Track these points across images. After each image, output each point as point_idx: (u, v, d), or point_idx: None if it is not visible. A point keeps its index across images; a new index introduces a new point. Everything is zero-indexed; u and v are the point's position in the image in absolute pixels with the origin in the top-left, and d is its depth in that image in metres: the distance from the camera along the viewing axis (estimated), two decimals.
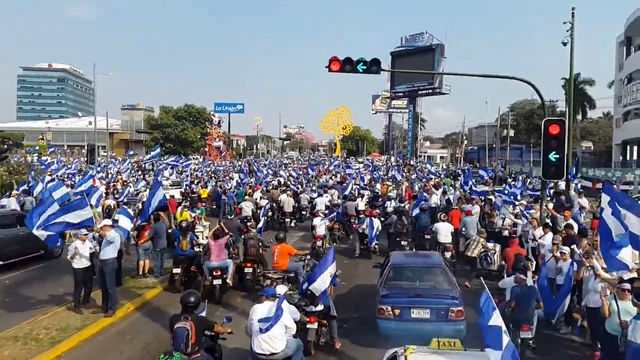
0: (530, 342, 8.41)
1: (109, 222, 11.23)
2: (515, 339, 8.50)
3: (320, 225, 16.38)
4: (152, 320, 10.17)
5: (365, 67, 13.92)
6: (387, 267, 9.99)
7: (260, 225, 14.08)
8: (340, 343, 8.84)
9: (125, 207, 16.06)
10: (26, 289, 12.17)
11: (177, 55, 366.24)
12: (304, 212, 22.69)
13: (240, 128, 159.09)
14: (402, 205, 20.11)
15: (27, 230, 11.56)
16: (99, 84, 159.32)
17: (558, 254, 10.19)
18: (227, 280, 11.53)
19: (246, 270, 12.19)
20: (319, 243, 16.18)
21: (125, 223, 12.92)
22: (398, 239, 15.78)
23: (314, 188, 26.52)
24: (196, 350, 6.28)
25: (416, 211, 16.97)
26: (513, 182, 27.30)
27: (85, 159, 50.76)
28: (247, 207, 20.03)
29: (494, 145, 68.19)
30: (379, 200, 23.02)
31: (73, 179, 30.17)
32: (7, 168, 26.34)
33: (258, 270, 12.57)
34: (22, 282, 12.87)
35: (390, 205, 20.61)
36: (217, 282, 11.24)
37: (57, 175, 30.40)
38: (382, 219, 19.31)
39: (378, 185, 28.55)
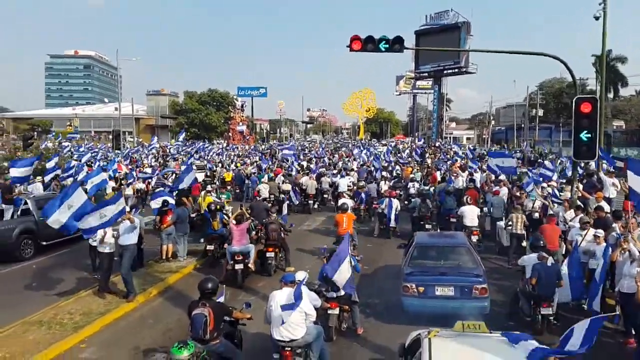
0: (551, 318, 8.49)
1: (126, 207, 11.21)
2: (536, 315, 8.38)
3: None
4: (174, 305, 10.17)
5: (387, 46, 13.46)
6: (412, 247, 10.15)
7: (284, 212, 13.91)
8: (362, 329, 8.71)
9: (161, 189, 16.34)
10: (51, 273, 12.33)
11: (202, 39, 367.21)
12: (325, 195, 22.64)
13: (263, 112, 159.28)
14: (427, 188, 19.72)
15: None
16: (124, 70, 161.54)
17: (591, 237, 9.80)
18: (249, 265, 11.56)
19: (268, 254, 12.14)
20: None
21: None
22: (422, 222, 15.49)
23: (334, 172, 26.37)
24: (215, 337, 6.21)
25: (442, 194, 16.67)
26: (546, 162, 26.35)
27: (111, 144, 51.68)
28: (264, 190, 20.18)
29: (523, 126, 66.38)
30: (401, 182, 22.75)
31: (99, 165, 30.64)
32: (35, 154, 26.76)
33: (280, 255, 12.53)
34: (48, 267, 13.04)
35: (414, 187, 20.49)
36: (239, 266, 11.29)
37: (83, 162, 30.84)
38: (406, 202, 19.21)
39: (397, 167, 28.27)
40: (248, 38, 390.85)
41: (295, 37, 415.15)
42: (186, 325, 6.67)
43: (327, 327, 8.00)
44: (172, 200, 14.11)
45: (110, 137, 56.31)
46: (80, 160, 30.27)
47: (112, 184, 21.33)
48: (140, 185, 23.55)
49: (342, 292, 8.23)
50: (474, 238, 13.58)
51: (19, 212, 14.66)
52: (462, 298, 8.64)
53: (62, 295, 10.59)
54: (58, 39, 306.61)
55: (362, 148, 45.15)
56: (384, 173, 24.66)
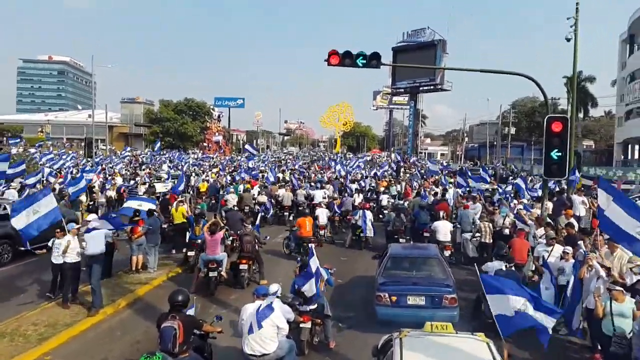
0: None
1: (94, 216, 11.01)
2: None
3: (322, 215, 17.28)
4: (143, 318, 9.94)
5: (365, 61, 13.61)
6: (386, 258, 10.48)
7: (257, 222, 13.85)
8: (335, 342, 8.66)
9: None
10: (15, 283, 11.97)
11: (177, 49, 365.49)
12: (300, 208, 22.61)
13: (240, 123, 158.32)
14: (401, 202, 19.90)
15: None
16: (99, 77, 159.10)
17: (558, 253, 10.02)
18: (222, 273, 11.65)
19: (241, 267, 12.03)
20: (322, 232, 17.18)
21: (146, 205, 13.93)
22: (396, 236, 15.58)
23: (312, 184, 26.58)
24: (184, 350, 6.07)
25: (416, 209, 16.91)
26: (515, 181, 26.98)
27: (83, 152, 50.66)
28: (232, 200, 20.31)
29: (495, 143, 67.91)
30: (374, 194, 23.75)
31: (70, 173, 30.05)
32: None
33: (254, 267, 12.44)
34: (11, 277, 12.65)
35: (385, 199, 21.63)
36: (212, 274, 11.45)
37: (54, 169, 30.24)
38: (380, 215, 19.49)
39: (370, 181, 28.73)
40: (229, 47, 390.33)
41: (275, 49, 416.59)
42: (155, 338, 6.51)
43: (299, 340, 7.92)
44: (150, 206, 13.93)
45: (83, 144, 55.22)
46: (51, 167, 29.69)
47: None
48: (111, 193, 23.31)
49: (315, 305, 8.19)
50: (447, 252, 13.73)
51: None
52: (433, 307, 8.99)
53: (27, 305, 10.23)
54: (32, 43, 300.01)
55: (337, 162, 45.35)
56: (354, 185, 24.88)
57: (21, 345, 8.21)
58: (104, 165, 37.03)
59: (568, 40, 22.97)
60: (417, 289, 9.22)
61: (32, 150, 45.99)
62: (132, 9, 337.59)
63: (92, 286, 10.11)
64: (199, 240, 12.81)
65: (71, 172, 27.43)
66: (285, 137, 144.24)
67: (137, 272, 12.92)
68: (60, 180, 23.62)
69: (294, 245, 15.42)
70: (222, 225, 12.85)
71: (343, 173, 32.82)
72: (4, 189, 18.99)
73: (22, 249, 13.52)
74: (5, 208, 14.64)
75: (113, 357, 8.10)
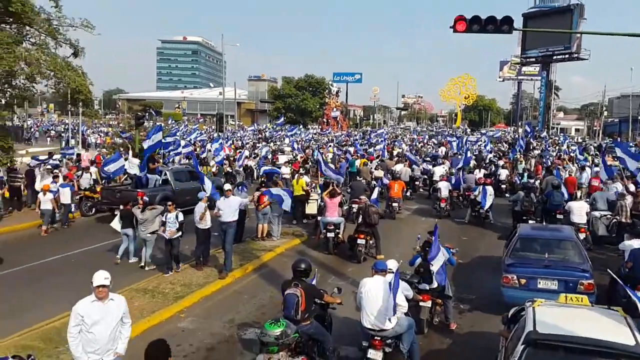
0: None
1: (228, 186, 11.67)
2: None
3: (444, 188, 17.45)
4: (268, 283, 10.47)
5: (494, 27, 12.64)
6: (515, 239, 9.88)
7: (374, 196, 13.72)
8: (456, 324, 8.39)
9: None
10: (156, 245, 13.08)
11: (299, 27, 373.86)
12: (417, 183, 22.23)
13: (357, 98, 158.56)
14: (532, 180, 18.53)
15: (197, 184, 14.53)
16: (228, 56, 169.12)
17: None
18: (339, 235, 12.58)
19: (359, 241, 12.00)
20: (443, 205, 17.35)
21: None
22: (525, 217, 14.52)
23: (427, 159, 26.41)
24: (306, 318, 6.24)
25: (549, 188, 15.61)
26: None
27: (215, 126, 54.54)
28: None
29: (639, 118, 60.02)
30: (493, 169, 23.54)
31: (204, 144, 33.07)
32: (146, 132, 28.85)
33: (371, 242, 12.35)
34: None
35: (504, 174, 21.70)
36: (330, 235, 12.54)
37: (189, 140, 33.28)
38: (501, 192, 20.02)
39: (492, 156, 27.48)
40: (345, 23, 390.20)
41: (392, 21, 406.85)
42: (279, 303, 6.80)
43: (419, 319, 7.77)
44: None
45: (215, 119, 59.36)
46: (190, 140, 32.74)
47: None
48: (251, 162, 25.46)
49: (435, 284, 7.95)
50: (581, 235, 12.51)
51: (159, 181, 16.75)
52: (567, 292, 8.04)
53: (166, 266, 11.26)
54: (169, 23, 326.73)
55: (456, 137, 43.52)
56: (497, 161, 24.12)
57: (160, 302, 9.08)
58: (235, 141, 39.77)
59: None
60: (549, 272, 8.64)
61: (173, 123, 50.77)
62: None
63: (226, 250, 10.82)
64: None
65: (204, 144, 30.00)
66: (403, 112, 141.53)
67: (262, 240, 13.64)
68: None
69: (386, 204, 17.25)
70: (339, 192, 13.56)
71: (455, 150, 31.55)
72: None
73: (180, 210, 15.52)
74: (165, 174, 17.03)
75: (240, 319, 8.62)
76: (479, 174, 20.01)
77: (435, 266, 7.68)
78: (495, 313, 8.29)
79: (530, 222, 14.26)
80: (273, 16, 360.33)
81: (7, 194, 16.68)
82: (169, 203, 11.21)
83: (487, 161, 26.44)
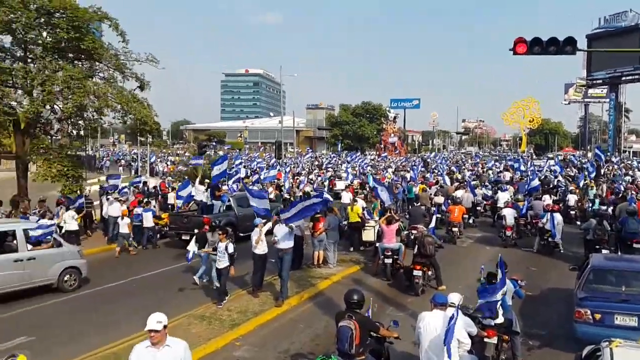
0: None
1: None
2: None
3: (509, 215, 16.65)
4: (323, 312, 10.24)
5: (557, 49, 12.11)
6: (587, 270, 9.17)
7: (432, 224, 13.26)
8: None
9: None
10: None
11: (356, 56, 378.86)
12: (478, 208, 21.39)
13: (416, 124, 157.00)
14: (604, 207, 17.33)
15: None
16: (287, 86, 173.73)
17: None
18: (398, 261, 12.37)
19: (415, 273, 11.38)
20: (508, 233, 16.54)
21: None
22: (598, 246, 13.50)
23: (486, 184, 25.45)
24: (360, 352, 5.97)
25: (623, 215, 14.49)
26: None
27: (274, 154, 55.67)
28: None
29: None
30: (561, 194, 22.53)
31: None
32: (209, 160, 29.92)
33: (429, 273, 11.77)
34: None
35: (573, 200, 20.71)
36: (388, 261, 12.43)
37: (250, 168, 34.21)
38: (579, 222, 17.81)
39: (562, 180, 26.33)
40: (401, 49, 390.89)
41: (448, 45, 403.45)
42: (334, 334, 6.55)
43: (484, 356, 7.26)
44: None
45: (274, 147, 60.67)
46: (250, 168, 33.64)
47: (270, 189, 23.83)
48: (307, 188, 25.35)
49: (501, 320, 7.42)
50: None
51: (224, 207, 17.35)
52: None
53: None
54: (231, 57, 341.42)
55: (521, 161, 41.80)
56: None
57: (217, 329, 9.08)
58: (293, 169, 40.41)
59: None
60: (628, 307, 7.96)
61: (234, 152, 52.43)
62: (315, 22, 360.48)
63: (282, 277, 10.74)
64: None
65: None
66: (464, 137, 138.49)
67: (318, 267, 13.49)
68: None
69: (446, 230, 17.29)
70: (397, 218, 13.48)
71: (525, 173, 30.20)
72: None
73: (241, 234, 16.25)
74: (229, 200, 17.63)
75: (294, 349, 8.44)
76: (548, 200, 19.10)
77: (496, 296, 7.15)
78: (567, 350, 7.74)
79: (603, 251, 13.27)
80: (331, 48, 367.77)
81: (79, 220, 17.63)
82: (219, 232, 11.10)
83: (554, 186, 25.13)
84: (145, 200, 17.98)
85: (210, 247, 11.57)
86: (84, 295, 11.67)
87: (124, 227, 15.62)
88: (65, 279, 11.87)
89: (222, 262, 10.46)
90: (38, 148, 18.26)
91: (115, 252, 15.66)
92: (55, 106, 17.68)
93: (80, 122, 19.96)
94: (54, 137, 20.55)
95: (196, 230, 13.01)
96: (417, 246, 11.79)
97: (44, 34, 17.05)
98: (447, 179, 27.31)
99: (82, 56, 18.23)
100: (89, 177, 32.27)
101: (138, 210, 16.84)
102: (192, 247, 12.04)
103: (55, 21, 16.51)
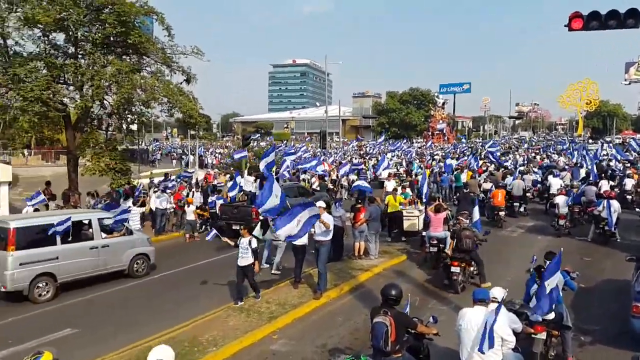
0: None
1: (322, 203, 11.47)
2: None
3: (562, 203, 16.03)
4: (363, 305, 9.99)
5: (617, 22, 11.17)
6: None
7: (476, 217, 12.31)
8: (575, 359, 7.29)
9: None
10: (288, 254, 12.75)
11: (405, 40, 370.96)
12: (528, 194, 20.45)
13: (467, 109, 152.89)
14: None
15: (306, 200, 14.12)
16: (334, 75, 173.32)
17: None
18: (446, 250, 11.80)
19: (453, 269, 10.68)
20: (562, 222, 15.93)
21: None
22: None
23: (535, 169, 24.59)
24: (397, 350, 5.72)
25: None
26: None
27: (319, 144, 55.65)
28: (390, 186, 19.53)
29: None
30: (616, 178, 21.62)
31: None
32: (254, 152, 30.27)
33: (471, 269, 11.09)
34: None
35: (630, 184, 19.85)
36: (433, 249, 12.46)
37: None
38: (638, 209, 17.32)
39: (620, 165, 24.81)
40: (450, 34, 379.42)
41: (499, 25, 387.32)
42: None
43: (532, 352, 6.85)
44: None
45: (319, 137, 60.66)
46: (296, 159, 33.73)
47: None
48: (353, 177, 25.31)
49: (552, 315, 6.96)
50: None
51: None
52: None
53: (264, 283, 11.31)
54: (279, 48, 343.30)
55: (576, 147, 39.68)
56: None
57: (255, 321, 9.03)
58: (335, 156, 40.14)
59: None
60: None
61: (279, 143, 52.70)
62: (365, 9, 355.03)
63: (319, 270, 10.61)
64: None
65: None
66: (517, 121, 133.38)
67: (359, 258, 13.25)
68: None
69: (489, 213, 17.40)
70: (445, 207, 13.35)
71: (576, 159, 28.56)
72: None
73: None
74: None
75: (332, 344, 8.25)
76: (605, 186, 18.08)
77: (548, 287, 6.64)
78: (623, 348, 7.27)
79: None
80: (378, 32, 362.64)
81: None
82: (242, 227, 10.83)
83: (612, 170, 23.76)
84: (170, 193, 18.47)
85: (272, 232, 11.74)
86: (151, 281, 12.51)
87: (191, 214, 16.97)
88: (136, 265, 12.66)
89: (246, 259, 9.92)
90: (88, 142, 18.95)
91: (183, 238, 17.05)
92: (104, 101, 18.26)
93: (128, 115, 20.55)
94: (107, 132, 21.22)
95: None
96: (455, 240, 11.11)
97: (93, 29, 17.54)
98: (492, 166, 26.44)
99: (130, 51, 18.71)
100: (142, 170, 33.42)
101: (212, 197, 18.13)
102: (257, 232, 12.54)
103: (104, 17, 16.96)
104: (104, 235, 12.22)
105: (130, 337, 8.45)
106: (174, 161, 48.99)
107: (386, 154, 40.02)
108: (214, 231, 11.49)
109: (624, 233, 15.12)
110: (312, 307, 9.95)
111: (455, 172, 23.38)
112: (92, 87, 16.64)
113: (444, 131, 79.51)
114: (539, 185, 22.05)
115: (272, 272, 12.31)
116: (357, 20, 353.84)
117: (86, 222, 12.22)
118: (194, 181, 21.71)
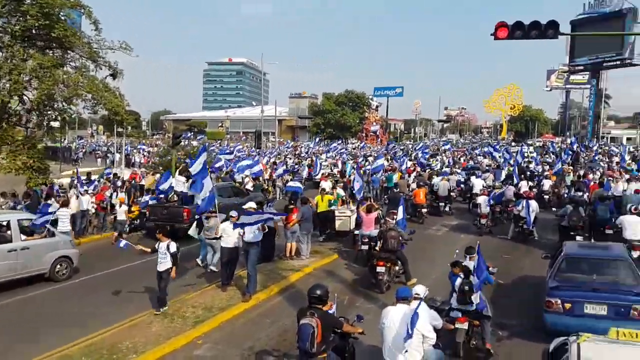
0: None
1: (252, 204, 11.36)
2: None
3: (484, 203, 16.63)
4: (292, 306, 9.84)
5: (538, 32, 11.87)
6: (560, 258, 9.08)
7: (400, 216, 12.42)
8: (491, 345, 7.64)
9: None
10: (185, 265, 12.61)
11: (341, 44, 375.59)
12: (452, 194, 21.26)
13: (399, 112, 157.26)
14: (580, 193, 17.34)
15: (240, 200, 15.76)
16: (271, 75, 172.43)
17: None
18: (376, 248, 11.72)
19: (378, 269, 10.77)
20: (483, 221, 16.49)
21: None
22: (573, 233, 13.47)
23: (459, 171, 25.94)
24: (322, 351, 5.73)
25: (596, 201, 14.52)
26: None
27: (254, 144, 55.14)
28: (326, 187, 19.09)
29: None
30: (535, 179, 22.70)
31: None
32: (185, 152, 29.37)
33: (396, 268, 11.29)
34: (182, 259, 13.73)
35: (547, 185, 20.67)
36: (364, 247, 12.62)
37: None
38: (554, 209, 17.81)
39: (539, 168, 26.72)
40: (386, 37, 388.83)
41: (432, 32, 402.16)
42: None
43: (455, 342, 7.15)
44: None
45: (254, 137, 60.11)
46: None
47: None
48: (287, 177, 25.84)
49: (473, 307, 7.28)
50: (635, 254, 11.36)
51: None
52: (617, 319, 7.45)
53: (192, 286, 11.04)
54: (215, 46, 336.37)
55: (498, 149, 41.95)
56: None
57: (179, 326, 8.73)
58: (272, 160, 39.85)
59: None
60: (598, 296, 7.90)
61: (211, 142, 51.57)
62: (302, 11, 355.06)
63: (248, 271, 10.41)
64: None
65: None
66: (445, 125, 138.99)
67: (290, 259, 13.22)
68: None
69: (412, 211, 17.74)
70: (376, 207, 13.78)
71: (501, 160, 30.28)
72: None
73: None
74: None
75: (259, 346, 8.14)
76: (525, 186, 19.11)
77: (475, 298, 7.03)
78: (537, 341, 7.55)
79: (577, 238, 13.23)
80: (314, 35, 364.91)
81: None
82: (157, 231, 10.35)
83: (530, 172, 25.28)
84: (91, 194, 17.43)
85: (205, 232, 12.08)
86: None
87: (122, 214, 16.17)
88: (57, 268, 11.97)
89: (164, 264, 9.38)
90: (4, 139, 17.62)
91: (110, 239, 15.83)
92: (24, 97, 17.12)
93: (49, 112, 19.35)
94: (26, 129, 19.82)
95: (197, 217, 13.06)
96: (380, 241, 11.28)
97: (13, 21, 16.42)
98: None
99: (54, 44, 17.66)
100: (64, 169, 31.52)
101: (146, 197, 17.96)
102: (193, 232, 12.59)
103: (25, 8, 15.89)
104: (23, 237, 11.46)
105: (43, 346, 7.81)
106: (99, 160, 46.65)
107: (319, 155, 40.41)
108: (124, 241, 10.61)
109: (542, 232, 15.99)
110: (241, 309, 9.76)
111: (388, 173, 23.92)
112: (10, 82, 15.53)
113: (377, 133, 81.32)
114: (462, 185, 22.98)
115: (210, 268, 12.11)
116: (295, 21, 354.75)
117: (4, 223, 11.46)
118: (119, 183, 20.66)
